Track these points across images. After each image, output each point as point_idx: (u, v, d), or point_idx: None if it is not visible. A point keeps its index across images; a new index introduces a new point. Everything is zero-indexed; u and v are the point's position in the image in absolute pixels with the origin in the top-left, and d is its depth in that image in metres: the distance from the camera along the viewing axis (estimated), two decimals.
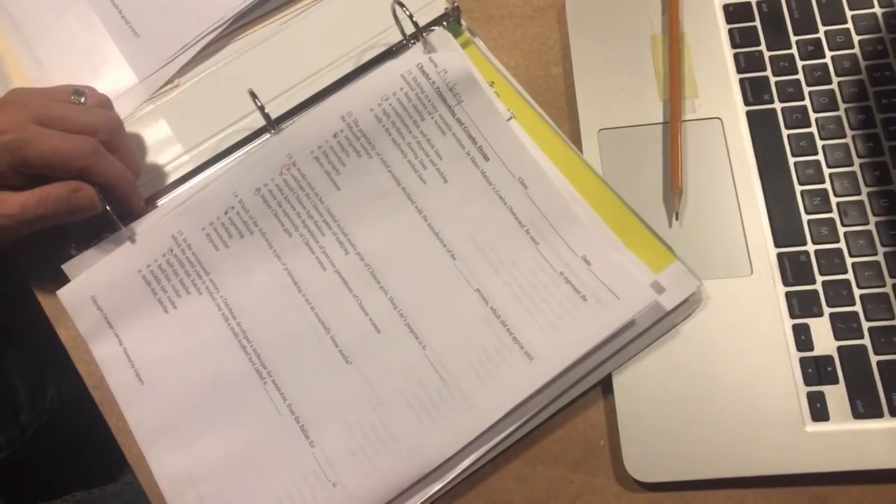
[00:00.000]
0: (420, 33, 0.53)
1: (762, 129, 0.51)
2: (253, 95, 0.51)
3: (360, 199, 0.51)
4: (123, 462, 0.49)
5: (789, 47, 0.53)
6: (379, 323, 0.48)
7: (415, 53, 0.53)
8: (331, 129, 0.51)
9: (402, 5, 0.52)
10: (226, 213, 0.51)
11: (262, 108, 0.51)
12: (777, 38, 0.53)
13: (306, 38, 0.56)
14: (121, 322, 0.50)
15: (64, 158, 0.46)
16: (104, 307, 0.50)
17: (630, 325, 0.46)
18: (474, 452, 0.45)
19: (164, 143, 0.54)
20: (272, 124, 0.52)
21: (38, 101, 0.48)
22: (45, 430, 0.67)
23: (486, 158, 0.50)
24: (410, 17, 0.52)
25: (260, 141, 0.53)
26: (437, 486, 0.45)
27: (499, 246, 0.49)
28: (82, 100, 0.49)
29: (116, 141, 0.49)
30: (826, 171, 0.49)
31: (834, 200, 0.49)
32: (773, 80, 0.52)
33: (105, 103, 0.51)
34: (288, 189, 0.51)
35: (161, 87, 0.55)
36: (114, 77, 0.55)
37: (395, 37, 0.54)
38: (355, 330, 0.48)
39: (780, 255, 0.48)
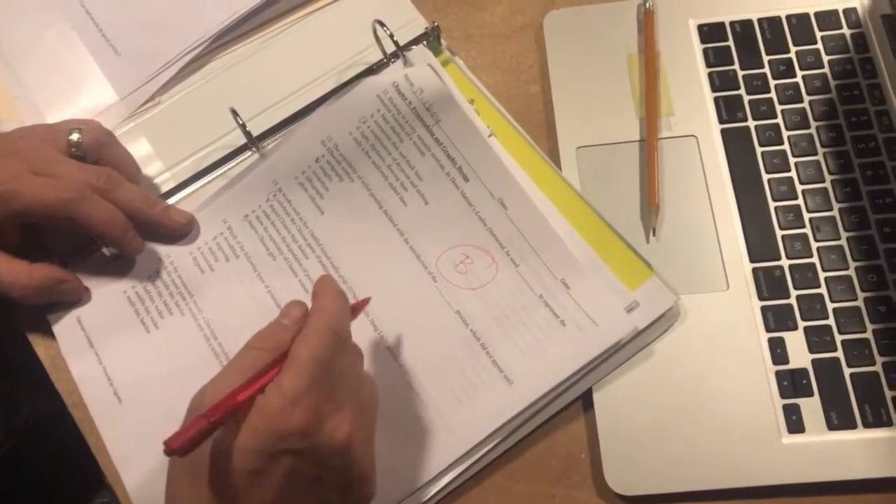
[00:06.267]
0: (400, 52, 0.54)
1: (736, 146, 0.52)
2: (234, 113, 0.51)
3: (344, 223, 0.51)
4: (99, 483, 0.48)
5: (762, 66, 0.54)
6: (359, 344, 0.48)
7: (393, 71, 0.54)
8: (312, 154, 0.52)
9: (382, 24, 0.52)
10: (214, 238, 0.51)
11: (243, 126, 0.51)
12: (750, 57, 0.54)
13: (287, 57, 0.56)
14: (102, 341, 0.49)
15: (46, 208, 0.46)
16: (87, 327, 0.50)
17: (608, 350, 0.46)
18: (454, 470, 0.45)
19: (144, 160, 0.53)
20: (253, 142, 0.52)
21: (32, 150, 0.47)
22: (20, 449, 0.66)
23: (466, 179, 0.50)
24: (391, 35, 0.52)
25: (241, 159, 0.54)
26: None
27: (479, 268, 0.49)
28: (77, 137, 0.48)
29: (110, 186, 0.48)
30: (799, 188, 0.50)
31: (807, 216, 0.50)
32: (746, 98, 0.53)
33: (102, 136, 0.50)
34: (274, 214, 0.51)
35: (142, 105, 0.55)
36: (94, 95, 0.55)
37: (377, 56, 0.54)
38: None
39: (755, 270, 0.49)
